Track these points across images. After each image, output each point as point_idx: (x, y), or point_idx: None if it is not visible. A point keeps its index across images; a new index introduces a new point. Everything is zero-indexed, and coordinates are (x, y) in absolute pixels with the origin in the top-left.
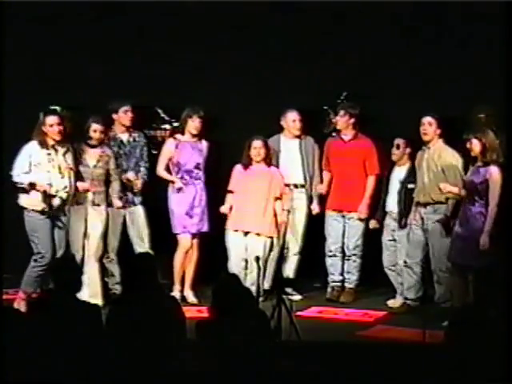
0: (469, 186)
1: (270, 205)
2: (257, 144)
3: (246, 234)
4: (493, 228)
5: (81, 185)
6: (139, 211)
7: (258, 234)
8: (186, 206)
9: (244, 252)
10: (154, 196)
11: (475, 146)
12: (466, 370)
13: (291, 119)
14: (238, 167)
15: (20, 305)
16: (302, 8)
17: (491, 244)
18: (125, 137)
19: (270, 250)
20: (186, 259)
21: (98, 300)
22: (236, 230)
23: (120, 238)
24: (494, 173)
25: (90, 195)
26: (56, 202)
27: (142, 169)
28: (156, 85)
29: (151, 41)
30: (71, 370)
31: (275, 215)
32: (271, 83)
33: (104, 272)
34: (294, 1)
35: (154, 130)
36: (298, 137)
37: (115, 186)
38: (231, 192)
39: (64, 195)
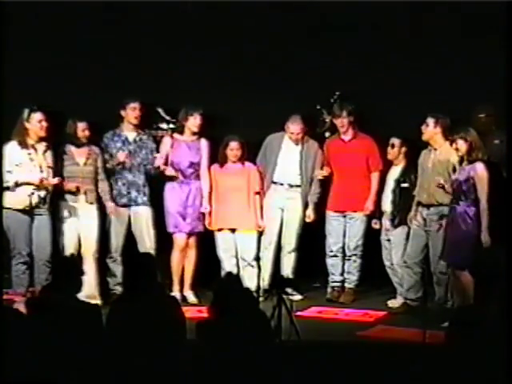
0: (454, 185)
1: (251, 200)
2: (233, 145)
3: (233, 231)
4: (487, 225)
5: (54, 180)
6: (143, 210)
7: (243, 230)
8: (179, 205)
9: (233, 249)
10: (159, 196)
11: (461, 146)
12: (466, 370)
13: (290, 131)
14: (214, 166)
15: (19, 305)
16: (302, 7)
17: (479, 243)
18: (131, 135)
19: (259, 244)
20: (183, 259)
21: (94, 301)
22: (220, 229)
23: (124, 238)
24: (480, 169)
25: (82, 194)
26: (35, 200)
27: (148, 168)
28: (157, 85)
29: (151, 40)
30: (71, 370)
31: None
32: (271, 82)
33: (106, 272)
34: (294, 1)
35: (156, 129)
36: (301, 140)
37: (104, 187)
38: (209, 192)
39: (43, 193)
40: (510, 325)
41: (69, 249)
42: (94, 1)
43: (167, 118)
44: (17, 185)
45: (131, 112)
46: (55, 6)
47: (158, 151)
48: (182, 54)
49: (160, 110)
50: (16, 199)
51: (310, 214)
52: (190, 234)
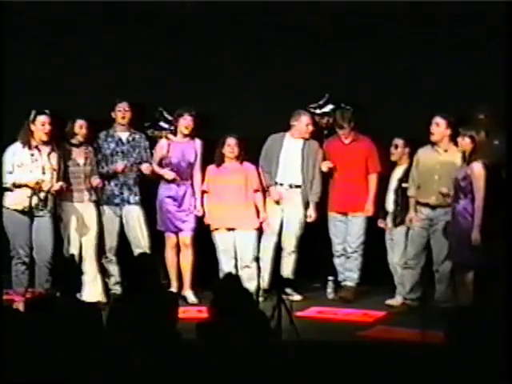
0: (453, 184)
1: (249, 198)
2: (231, 141)
3: (232, 230)
4: (482, 223)
5: (56, 185)
6: (135, 211)
7: (243, 229)
8: (174, 204)
9: (232, 250)
10: (153, 195)
11: (466, 144)
12: (466, 370)
13: (305, 123)
14: (211, 167)
15: (18, 305)
16: (301, 7)
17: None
18: (124, 135)
19: (259, 242)
20: (176, 257)
21: (99, 299)
22: (217, 229)
23: (118, 238)
24: (476, 168)
25: (85, 193)
26: (35, 201)
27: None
28: (159, 85)
29: (152, 40)
30: (71, 370)
31: (257, 208)
32: (272, 82)
33: (104, 272)
34: (293, 1)
35: (159, 130)
36: (304, 138)
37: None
38: (206, 192)
39: (43, 195)
40: (510, 325)
41: (72, 248)
42: (95, 1)
43: (169, 117)
44: (15, 186)
45: (119, 113)
46: (55, 6)
47: (152, 150)
48: (182, 53)
49: (164, 112)
50: (15, 200)
51: (312, 214)
52: (185, 233)
